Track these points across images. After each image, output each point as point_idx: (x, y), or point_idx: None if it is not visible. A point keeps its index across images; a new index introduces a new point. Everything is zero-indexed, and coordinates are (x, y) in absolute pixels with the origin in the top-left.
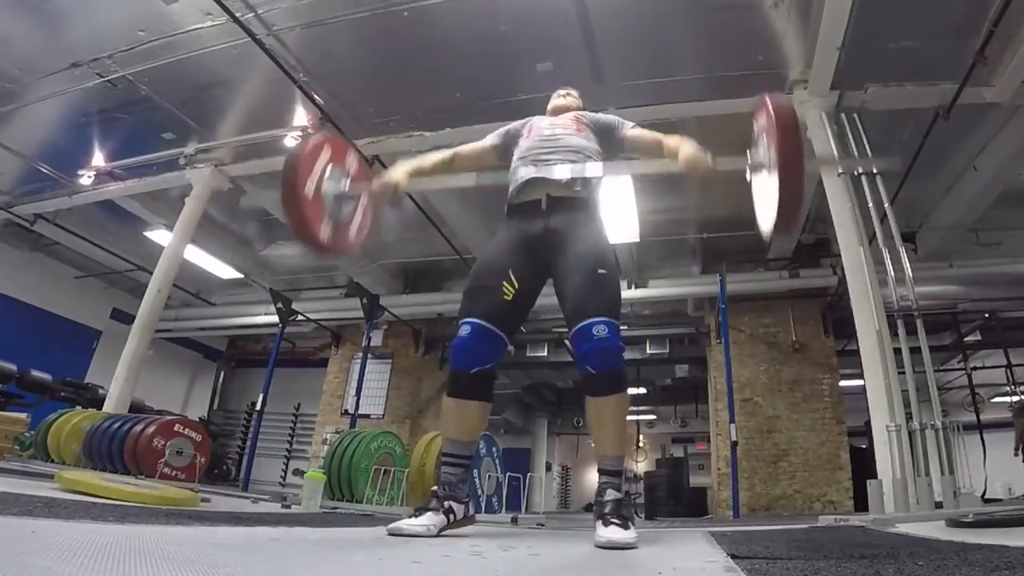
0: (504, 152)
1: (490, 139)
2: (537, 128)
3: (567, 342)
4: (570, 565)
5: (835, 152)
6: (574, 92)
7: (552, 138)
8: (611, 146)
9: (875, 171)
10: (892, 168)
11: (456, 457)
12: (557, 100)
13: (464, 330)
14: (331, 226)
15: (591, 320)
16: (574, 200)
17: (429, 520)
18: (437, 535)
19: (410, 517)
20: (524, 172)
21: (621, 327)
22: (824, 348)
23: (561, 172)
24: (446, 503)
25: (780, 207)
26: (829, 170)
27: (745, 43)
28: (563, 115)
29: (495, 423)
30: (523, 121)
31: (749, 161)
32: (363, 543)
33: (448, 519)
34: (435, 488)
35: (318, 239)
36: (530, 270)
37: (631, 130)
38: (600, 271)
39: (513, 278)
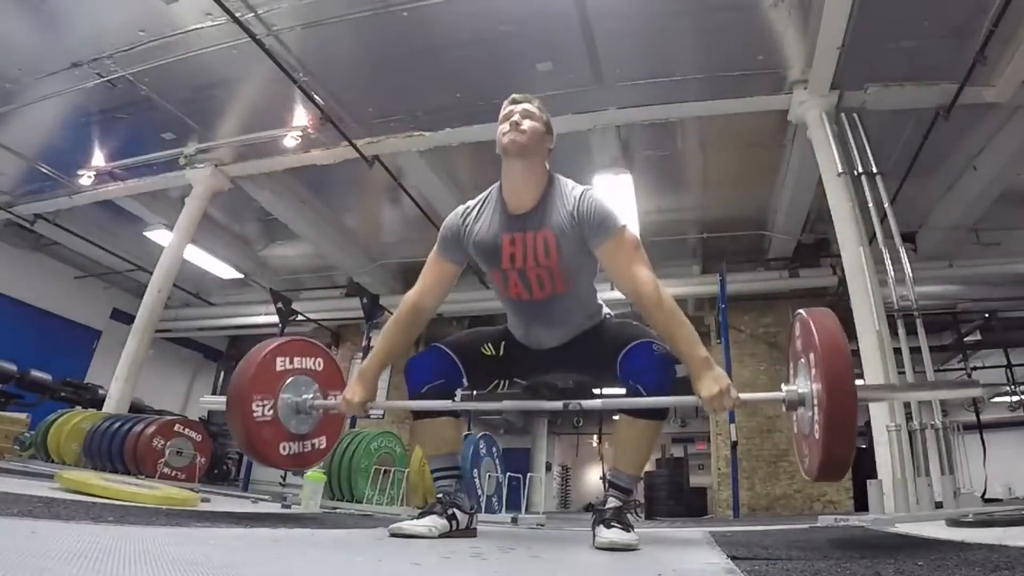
0: (464, 259)
1: (446, 257)
2: (506, 279)
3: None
4: (571, 566)
5: (835, 152)
6: (534, 106)
7: (534, 307)
8: (589, 251)
9: (875, 171)
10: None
11: (444, 471)
12: (507, 136)
13: (420, 351)
14: (291, 442)
15: (650, 339)
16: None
17: (432, 522)
18: (438, 537)
19: (411, 518)
20: (522, 338)
21: (638, 326)
22: None
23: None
24: (450, 510)
25: (826, 454)
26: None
27: (745, 43)
28: (530, 245)
29: (495, 423)
30: (465, 241)
31: (785, 395)
32: (363, 544)
33: (451, 525)
34: (439, 495)
35: (274, 460)
36: (523, 362)
37: (603, 247)
38: (634, 322)
39: (501, 348)
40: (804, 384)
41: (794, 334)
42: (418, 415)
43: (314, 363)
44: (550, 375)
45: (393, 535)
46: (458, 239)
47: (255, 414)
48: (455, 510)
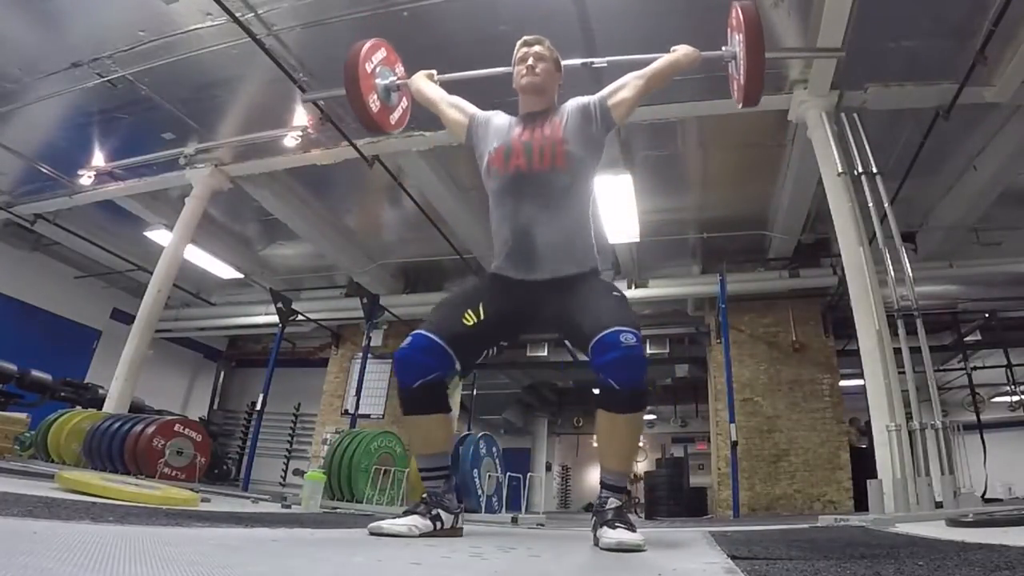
0: (468, 143)
1: (463, 121)
2: (510, 150)
3: (567, 344)
4: (570, 566)
5: (835, 152)
6: (544, 47)
7: (531, 182)
8: (598, 138)
9: (875, 171)
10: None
11: (433, 471)
12: (525, 78)
13: (407, 341)
14: (380, 107)
15: (618, 328)
16: (571, 276)
17: (413, 522)
18: (419, 537)
19: (395, 518)
20: (509, 250)
21: (621, 295)
22: (824, 348)
23: (551, 269)
24: (434, 510)
25: (748, 79)
26: None
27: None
28: (539, 128)
29: (495, 423)
30: (486, 123)
31: (725, 52)
32: (363, 544)
33: (435, 526)
34: (424, 495)
35: (370, 115)
36: (506, 313)
37: (615, 98)
38: (615, 293)
39: (481, 310)
40: (736, 47)
41: (731, 16)
42: (410, 411)
43: (395, 65)
44: (530, 328)
45: (372, 534)
46: (483, 118)
47: (373, 114)
48: (440, 511)
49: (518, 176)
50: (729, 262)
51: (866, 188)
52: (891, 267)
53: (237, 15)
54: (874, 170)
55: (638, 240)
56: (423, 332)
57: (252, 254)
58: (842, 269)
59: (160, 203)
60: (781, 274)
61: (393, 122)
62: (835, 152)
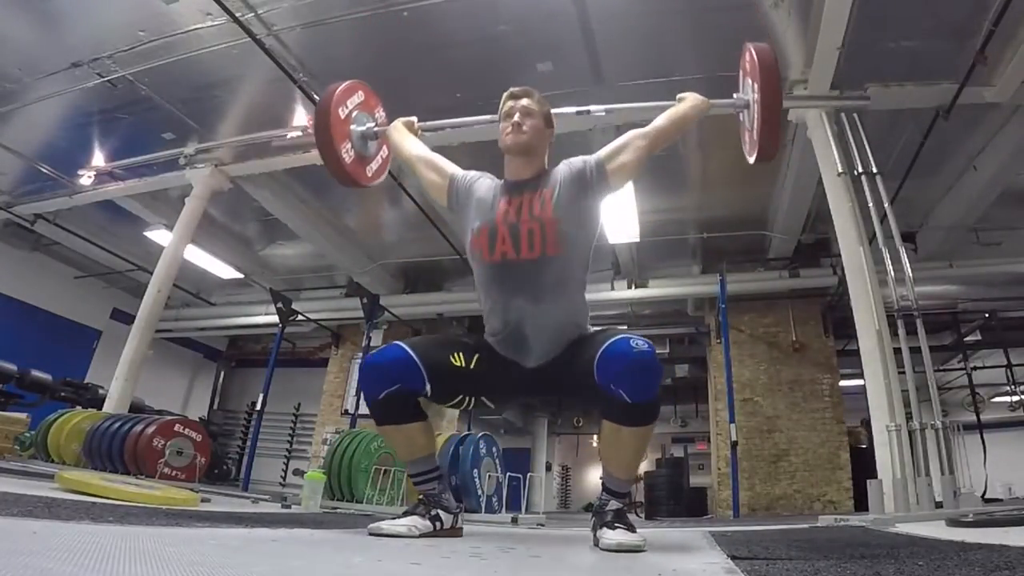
0: (450, 207)
1: (442, 184)
2: (494, 234)
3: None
4: (570, 566)
5: (835, 152)
6: (533, 101)
7: (520, 273)
8: (595, 205)
9: (875, 171)
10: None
11: (423, 474)
12: (510, 137)
13: (378, 350)
14: (355, 158)
15: (625, 336)
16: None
17: (413, 522)
18: (419, 537)
19: (393, 518)
20: (500, 340)
21: (620, 327)
22: (824, 348)
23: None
24: (433, 511)
25: (763, 133)
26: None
27: (745, 43)
28: (527, 203)
29: (495, 423)
30: (467, 190)
31: (736, 100)
32: (363, 544)
33: (435, 526)
34: (422, 496)
35: (343, 166)
36: (494, 376)
37: (615, 163)
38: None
39: (473, 360)
40: (749, 95)
41: (744, 59)
42: (382, 421)
43: (373, 109)
44: (523, 397)
45: (372, 534)
46: (464, 182)
47: (346, 166)
48: (439, 511)
49: (505, 266)
50: (729, 262)
51: (866, 188)
52: (891, 267)
53: (237, 15)
54: (874, 170)
55: (638, 240)
56: (399, 344)
57: (252, 254)
58: (842, 269)
59: (160, 203)
60: (781, 274)
61: (370, 174)
62: (835, 152)
